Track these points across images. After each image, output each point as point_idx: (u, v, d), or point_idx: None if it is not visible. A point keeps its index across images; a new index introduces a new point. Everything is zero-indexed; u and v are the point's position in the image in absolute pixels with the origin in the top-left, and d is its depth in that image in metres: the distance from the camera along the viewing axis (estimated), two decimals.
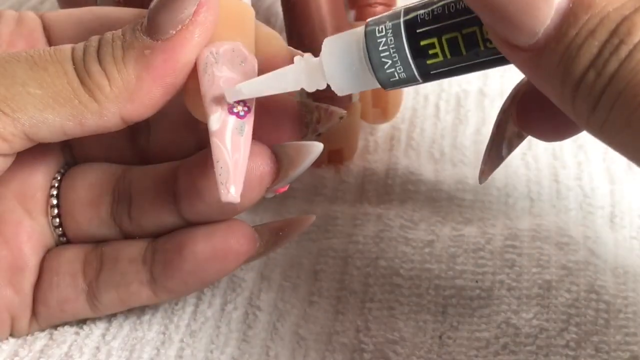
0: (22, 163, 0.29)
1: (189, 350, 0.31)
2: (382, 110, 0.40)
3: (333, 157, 0.39)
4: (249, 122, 0.25)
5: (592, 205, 0.37)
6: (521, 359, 0.30)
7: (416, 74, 0.23)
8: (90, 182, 0.31)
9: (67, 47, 0.26)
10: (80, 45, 0.26)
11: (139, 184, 0.30)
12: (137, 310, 0.32)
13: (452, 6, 0.22)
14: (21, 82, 0.25)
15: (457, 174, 0.38)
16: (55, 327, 0.31)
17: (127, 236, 0.31)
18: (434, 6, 0.23)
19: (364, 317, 0.32)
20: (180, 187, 0.29)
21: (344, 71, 0.24)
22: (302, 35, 0.36)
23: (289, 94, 0.29)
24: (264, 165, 0.27)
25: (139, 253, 0.30)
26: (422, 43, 0.23)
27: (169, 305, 0.32)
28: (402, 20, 0.23)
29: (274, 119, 0.28)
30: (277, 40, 0.28)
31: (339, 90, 0.25)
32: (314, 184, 0.38)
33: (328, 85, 0.25)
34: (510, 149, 0.29)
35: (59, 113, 0.25)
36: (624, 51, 0.19)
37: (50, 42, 0.29)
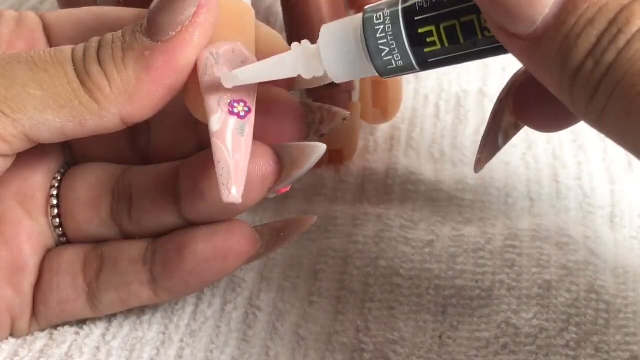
0: (22, 163, 0.29)
1: (189, 350, 0.31)
2: (382, 110, 0.40)
3: (333, 157, 0.39)
4: (249, 123, 0.25)
5: (592, 205, 0.37)
6: (521, 359, 0.30)
7: (414, 62, 0.23)
8: (90, 182, 0.31)
9: (67, 48, 0.26)
10: (80, 47, 0.26)
11: (139, 184, 0.30)
12: (137, 310, 0.32)
13: None
14: (21, 83, 0.25)
15: (457, 174, 0.38)
16: (55, 327, 0.31)
17: (127, 236, 0.31)
18: None
19: (364, 317, 0.32)
20: (182, 187, 0.29)
21: (342, 58, 0.24)
22: (302, 35, 0.36)
23: (290, 93, 0.29)
24: (266, 165, 0.27)
25: (139, 253, 0.30)
26: (420, 31, 0.23)
27: (169, 305, 0.32)
28: (400, 7, 0.23)
29: (276, 120, 0.28)
30: (277, 40, 0.28)
31: (336, 77, 0.25)
32: (314, 184, 0.38)
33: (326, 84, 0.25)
34: (507, 139, 0.29)
35: (59, 114, 0.25)
36: (622, 40, 0.19)
37: (51, 42, 0.29)
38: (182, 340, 0.31)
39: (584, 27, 0.20)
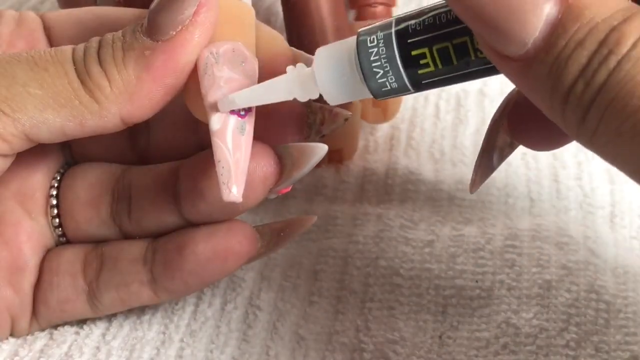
0: (21, 163, 0.29)
1: (189, 350, 0.31)
2: (382, 110, 0.40)
3: (333, 157, 0.39)
4: (250, 122, 0.25)
5: (592, 205, 0.37)
6: (521, 358, 0.30)
7: (408, 83, 0.23)
8: (90, 182, 0.31)
9: (68, 48, 0.26)
10: (80, 46, 0.26)
11: (139, 184, 0.30)
12: (137, 310, 0.32)
13: (443, 16, 0.22)
14: (22, 83, 0.25)
15: (457, 174, 0.38)
16: (55, 327, 0.31)
17: (127, 236, 0.31)
18: (425, 16, 0.23)
19: (364, 317, 0.32)
20: (182, 187, 0.29)
21: (336, 81, 0.24)
22: (302, 35, 0.36)
23: None
24: (267, 166, 0.27)
25: (140, 253, 0.30)
26: (413, 53, 0.23)
27: (169, 305, 0.32)
28: (393, 30, 0.23)
29: (277, 120, 0.28)
30: (278, 40, 0.28)
31: (331, 99, 0.25)
32: (314, 184, 0.38)
33: (321, 95, 0.25)
34: (502, 159, 0.29)
35: (59, 113, 0.25)
36: (612, 61, 0.19)
37: (51, 42, 0.29)
38: (182, 340, 0.31)
39: (574, 48, 0.19)
